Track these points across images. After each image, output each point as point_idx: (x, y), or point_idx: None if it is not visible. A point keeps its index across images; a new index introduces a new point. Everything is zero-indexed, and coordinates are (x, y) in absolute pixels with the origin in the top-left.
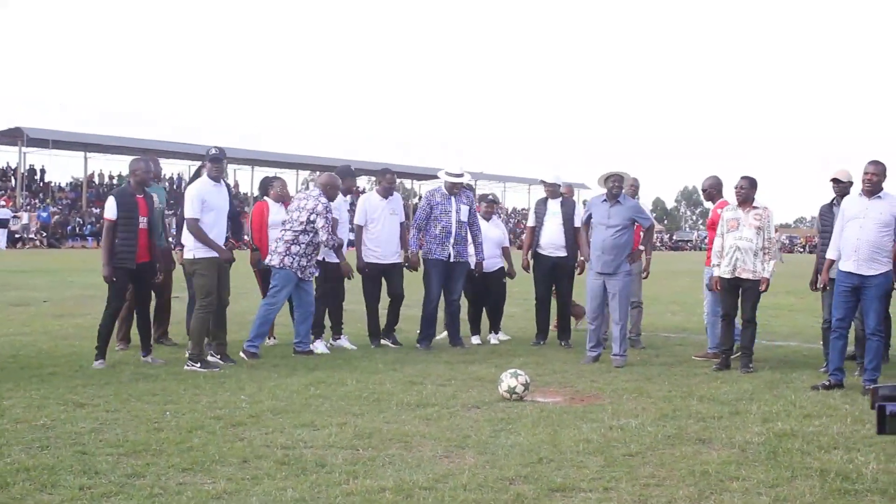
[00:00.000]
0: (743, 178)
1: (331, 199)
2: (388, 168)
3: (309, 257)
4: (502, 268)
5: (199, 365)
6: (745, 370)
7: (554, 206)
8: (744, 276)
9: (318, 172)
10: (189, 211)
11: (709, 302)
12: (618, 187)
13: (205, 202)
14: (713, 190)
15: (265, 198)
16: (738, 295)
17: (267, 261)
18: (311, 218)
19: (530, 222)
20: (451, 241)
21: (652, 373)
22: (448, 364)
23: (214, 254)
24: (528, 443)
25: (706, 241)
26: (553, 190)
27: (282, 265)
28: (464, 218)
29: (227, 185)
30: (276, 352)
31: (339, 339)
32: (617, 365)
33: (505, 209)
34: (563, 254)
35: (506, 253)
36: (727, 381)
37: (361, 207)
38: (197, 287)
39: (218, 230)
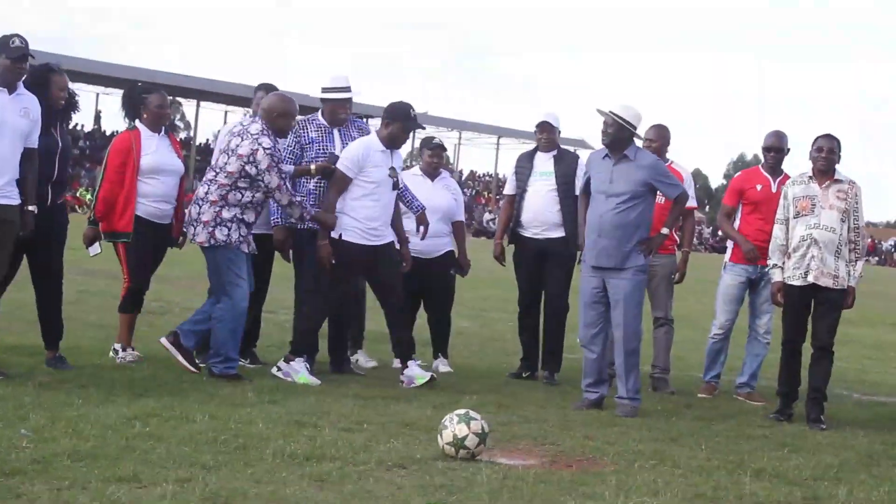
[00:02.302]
0: (824, 136)
1: (281, 134)
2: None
3: (249, 224)
4: (451, 252)
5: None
6: (815, 426)
7: (544, 162)
8: (821, 282)
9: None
10: None
11: (725, 319)
12: (615, 130)
13: None
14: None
15: (135, 123)
16: (809, 310)
17: (190, 237)
18: (249, 170)
19: (508, 189)
20: None
21: (680, 429)
22: (358, 398)
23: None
24: None
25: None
26: (547, 138)
27: (212, 241)
28: None
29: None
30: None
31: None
32: (624, 414)
33: (457, 173)
34: (557, 234)
35: (458, 231)
36: (799, 448)
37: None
38: None
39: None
